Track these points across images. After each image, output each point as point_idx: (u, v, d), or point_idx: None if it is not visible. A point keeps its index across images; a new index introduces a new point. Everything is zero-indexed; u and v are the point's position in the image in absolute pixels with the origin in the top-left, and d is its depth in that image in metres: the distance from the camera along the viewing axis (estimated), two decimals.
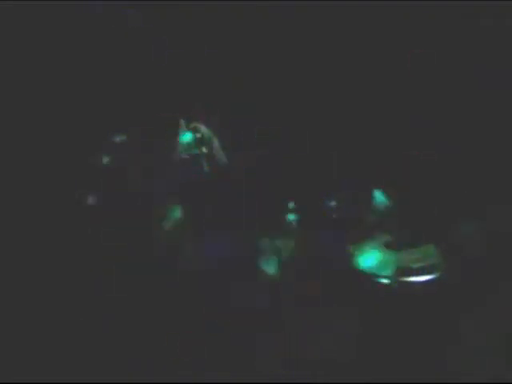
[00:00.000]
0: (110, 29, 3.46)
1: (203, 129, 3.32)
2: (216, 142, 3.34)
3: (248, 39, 3.64)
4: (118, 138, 3.27)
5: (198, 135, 3.30)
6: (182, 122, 3.30)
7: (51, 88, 3.39)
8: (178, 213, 3.14)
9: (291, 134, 3.62)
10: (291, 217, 3.27)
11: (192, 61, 3.56)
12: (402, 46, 3.67)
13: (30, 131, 3.30)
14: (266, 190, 3.33)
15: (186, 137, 3.28)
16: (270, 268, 3.07)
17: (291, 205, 3.31)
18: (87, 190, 3.18)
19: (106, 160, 3.22)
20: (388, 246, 3.13)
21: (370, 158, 3.60)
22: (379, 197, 3.30)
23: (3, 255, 3.05)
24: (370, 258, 3.05)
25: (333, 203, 3.32)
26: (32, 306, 2.93)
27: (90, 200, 3.14)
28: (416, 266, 3.04)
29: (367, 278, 3.00)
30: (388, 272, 2.99)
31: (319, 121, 3.67)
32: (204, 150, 3.29)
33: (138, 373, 2.72)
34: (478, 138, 3.62)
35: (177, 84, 3.51)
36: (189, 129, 3.30)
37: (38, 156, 3.27)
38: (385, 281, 2.97)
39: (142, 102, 3.42)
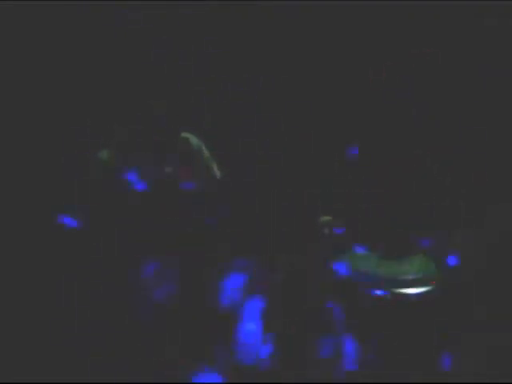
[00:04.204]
0: (106, 29, 3.47)
1: (193, 140, 3.29)
2: (207, 153, 3.30)
3: (246, 40, 3.65)
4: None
5: (188, 147, 3.26)
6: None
7: (47, 87, 3.40)
8: None
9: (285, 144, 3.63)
10: None
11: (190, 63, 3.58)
12: (406, 45, 3.66)
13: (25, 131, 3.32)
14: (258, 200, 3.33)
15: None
16: None
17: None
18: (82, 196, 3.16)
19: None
20: (382, 257, 3.11)
21: (365, 167, 3.60)
22: None
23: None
24: (364, 269, 3.03)
25: (327, 218, 3.31)
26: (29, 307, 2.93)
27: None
28: (410, 277, 3.01)
29: (361, 290, 2.97)
30: (382, 283, 2.97)
31: (314, 128, 3.68)
32: (194, 163, 3.25)
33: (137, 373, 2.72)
34: (480, 139, 3.61)
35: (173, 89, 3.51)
36: (179, 140, 3.26)
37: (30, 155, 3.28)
38: (379, 292, 2.95)
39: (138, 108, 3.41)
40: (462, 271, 3.16)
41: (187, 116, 3.34)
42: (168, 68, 3.50)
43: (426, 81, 3.68)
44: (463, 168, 3.60)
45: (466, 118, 3.66)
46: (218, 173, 3.29)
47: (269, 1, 3.61)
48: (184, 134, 3.26)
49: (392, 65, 3.68)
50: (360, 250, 3.13)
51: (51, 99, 3.42)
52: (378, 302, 2.93)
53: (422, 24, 3.63)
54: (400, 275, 2.98)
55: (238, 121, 3.59)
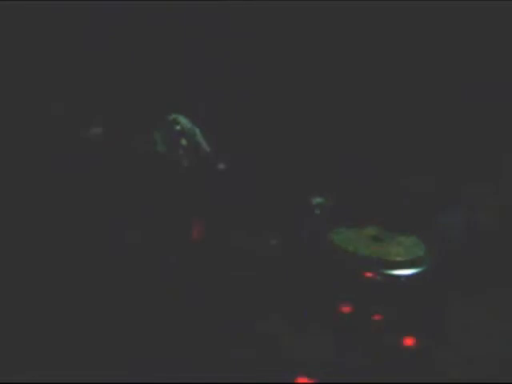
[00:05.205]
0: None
1: (183, 120, 3.28)
2: (198, 133, 3.29)
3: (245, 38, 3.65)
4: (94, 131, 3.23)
5: (178, 127, 3.25)
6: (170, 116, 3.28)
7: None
8: None
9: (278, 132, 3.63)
10: None
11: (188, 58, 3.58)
12: (404, 45, 3.66)
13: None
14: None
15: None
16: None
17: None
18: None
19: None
20: (373, 239, 3.12)
21: (356, 154, 3.61)
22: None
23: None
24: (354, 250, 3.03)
25: (319, 199, 3.32)
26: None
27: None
28: (401, 259, 3.01)
29: (352, 272, 2.97)
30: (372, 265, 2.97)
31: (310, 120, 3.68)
32: (184, 142, 3.24)
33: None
34: (474, 134, 3.62)
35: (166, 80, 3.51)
36: (169, 121, 3.26)
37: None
38: (369, 274, 2.95)
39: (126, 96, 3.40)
40: (452, 253, 3.18)
41: (187, 115, 3.35)
42: (168, 67, 3.50)
43: (426, 80, 3.69)
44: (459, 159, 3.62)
45: (466, 118, 3.67)
46: (208, 148, 3.29)
47: (269, 1, 3.61)
48: (174, 115, 3.26)
49: (392, 65, 3.68)
50: (351, 231, 3.14)
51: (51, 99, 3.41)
52: (368, 283, 2.93)
53: (422, 24, 3.64)
54: (390, 257, 2.99)
55: (237, 120, 3.59)
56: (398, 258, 2.98)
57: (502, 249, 3.30)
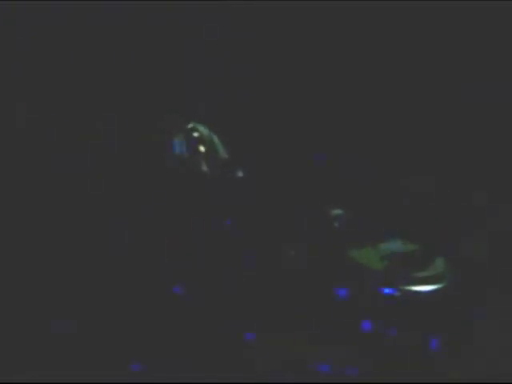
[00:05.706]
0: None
1: (201, 128, 3.29)
2: (216, 140, 3.30)
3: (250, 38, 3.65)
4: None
5: (196, 134, 3.27)
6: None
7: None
8: None
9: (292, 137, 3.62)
10: None
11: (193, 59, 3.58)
12: (403, 45, 3.66)
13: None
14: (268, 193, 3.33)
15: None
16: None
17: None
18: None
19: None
20: (393, 253, 3.07)
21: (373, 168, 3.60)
22: None
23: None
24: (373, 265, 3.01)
25: (337, 211, 3.29)
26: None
27: None
28: (421, 275, 2.98)
29: (370, 287, 2.95)
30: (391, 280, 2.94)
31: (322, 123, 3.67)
32: (202, 149, 3.25)
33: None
34: (482, 141, 3.61)
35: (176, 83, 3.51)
36: (187, 128, 3.27)
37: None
38: (388, 290, 2.92)
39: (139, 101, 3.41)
40: (473, 269, 3.15)
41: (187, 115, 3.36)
42: (168, 66, 3.50)
43: (426, 79, 3.69)
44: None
45: (467, 118, 3.67)
46: (226, 155, 3.30)
47: (269, 1, 3.61)
48: (192, 124, 3.28)
49: (391, 64, 3.69)
50: (369, 245, 3.12)
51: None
52: (387, 299, 2.91)
53: (422, 24, 3.64)
54: (410, 272, 2.95)
55: (238, 119, 3.59)
56: (419, 274, 2.96)
57: None
